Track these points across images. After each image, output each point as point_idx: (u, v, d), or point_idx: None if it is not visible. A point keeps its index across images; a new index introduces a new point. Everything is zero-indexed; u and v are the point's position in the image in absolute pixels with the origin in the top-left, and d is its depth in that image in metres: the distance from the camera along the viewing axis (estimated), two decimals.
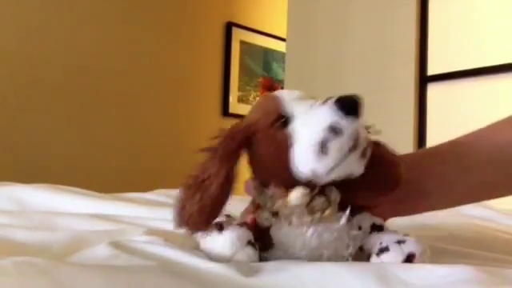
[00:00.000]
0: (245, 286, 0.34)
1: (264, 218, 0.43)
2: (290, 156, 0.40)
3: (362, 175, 0.41)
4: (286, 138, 0.41)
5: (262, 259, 0.42)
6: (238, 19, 3.29)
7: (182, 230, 0.42)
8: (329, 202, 0.42)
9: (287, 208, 0.42)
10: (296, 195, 0.41)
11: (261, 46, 3.40)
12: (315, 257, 0.42)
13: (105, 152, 2.60)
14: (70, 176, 2.38)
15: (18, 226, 0.57)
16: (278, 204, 0.42)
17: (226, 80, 3.21)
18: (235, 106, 3.21)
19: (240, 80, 3.28)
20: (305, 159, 0.40)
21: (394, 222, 0.54)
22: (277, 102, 0.43)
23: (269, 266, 0.39)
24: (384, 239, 0.43)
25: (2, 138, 2.25)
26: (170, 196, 0.98)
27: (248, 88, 3.32)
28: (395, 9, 2.06)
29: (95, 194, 0.91)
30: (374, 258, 0.42)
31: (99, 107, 2.59)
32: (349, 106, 0.39)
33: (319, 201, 0.42)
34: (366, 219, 0.45)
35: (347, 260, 0.42)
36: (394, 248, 0.41)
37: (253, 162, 0.44)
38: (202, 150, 0.43)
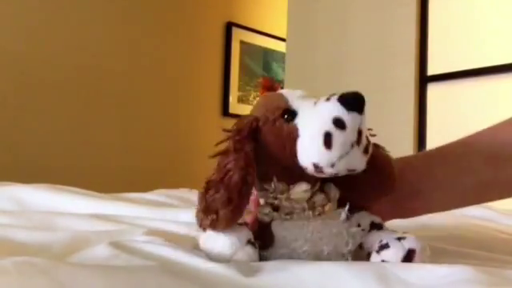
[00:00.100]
0: (245, 286, 0.34)
1: (264, 213, 0.43)
2: (294, 149, 0.41)
3: (360, 176, 0.42)
4: (292, 131, 0.42)
5: (262, 258, 0.42)
6: (238, 19, 3.29)
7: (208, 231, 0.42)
8: (328, 199, 0.43)
9: (289, 202, 0.42)
10: (298, 190, 0.42)
11: (261, 46, 3.40)
12: (316, 253, 0.42)
13: (105, 152, 2.60)
14: (70, 176, 2.38)
15: (18, 226, 0.57)
16: (280, 198, 0.42)
17: (226, 80, 3.21)
18: (235, 106, 3.21)
19: (240, 80, 3.28)
20: (309, 152, 0.40)
21: (392, 223, 0.54)
22: (282, 99, 0.44)
23: (269, 265, 0.39)
24: (384, 236, 0.43)
25: (2, 137, 2.25)
26: (170, 196, 0.98)
27: (248, 88, 3.32)
28: (395, 9, 2.06)
29: (95, 194, 0.91)
30: (374, 255, 0.42)
31: (99, 107, 2.59)
32: (352, 101, 0.40)
33: (320, 197, 0.43)
34: (365, 217, 0.46)
35: (347, 257, 0.42)
36: (394, 244, 0.42)
37: (256, 157, 0.44)
38: (215, 155, 0.43)
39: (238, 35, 3.27)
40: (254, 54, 3.36)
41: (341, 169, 0.40)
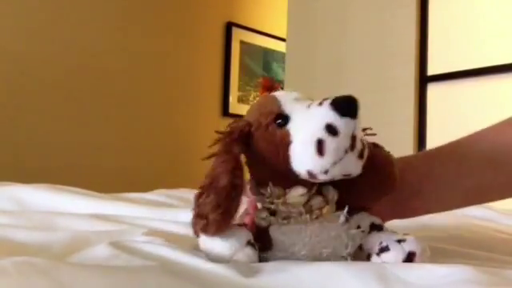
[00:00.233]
0: (245, 287, 0.34)
1: (261, 217, 0.43)
2: (287, 155, 0.41)
3: (360, 176, 0.41)
4: (284, 136, 0.41)
5: (261, 260, 0.42)
6: (238, 19, 3.29)
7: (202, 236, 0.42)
8: (326, 202, 0.42)
9: (286, 206, 0.42)
10: (295, 194, 0.42)
11: (261, 46, 3.40)
12: (314, 256, 0.42)
13: (105, 152, 2.60)
14: (70, 176, 2.38)
15: (18, 226, 0.57)
16: (277, 202, 0.42)
17: (226, 80, 3.21)
18: (235, 106, 3.21)
19: (240, 80, 3.28)
20: (302, 159, 0.40)
21: (392, 223, 0.54)
22: (275, 102, 0.43)
23: (269, 266, 0.39)
24: (384, 238, 0.43)
25: (2, 137, 2.25)
26: (170, 196, 0.98)
27: (248, 88, 3.32)
28: (395, 9, 2.06)
29: (95, 194, 0.91)
30: (374, 258, 0.42)
31: (99, 107, 2.59)
32: (345, 106, 0.39)
33: (317, 200, 0.42)
34: (365, 218, 0.45)
35: (346, 259, 0.42)
36: (394, 247, 0.41)
37: (251, 162, 0.44)
38: (208, 157, 0.42)
39: (238, 35, 3.27)
40: (254, 53, 3.36)
41: (335, 174, 0.40)
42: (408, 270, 0.36)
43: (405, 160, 0.53)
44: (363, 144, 0.40)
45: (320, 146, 0.39)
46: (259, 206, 0.44)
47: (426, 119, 1.97)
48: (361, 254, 0.44)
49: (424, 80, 1.99)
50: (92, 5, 2.59)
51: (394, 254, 0.41)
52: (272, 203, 0.42)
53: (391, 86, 2.04)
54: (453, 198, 0.56)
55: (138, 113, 2.76)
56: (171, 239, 0.45)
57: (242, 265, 0.38)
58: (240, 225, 0.44)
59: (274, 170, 0.42)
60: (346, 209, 0.42)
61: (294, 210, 0.42)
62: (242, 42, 3.30)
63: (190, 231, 0.43)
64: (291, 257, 0.42)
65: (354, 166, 0.40)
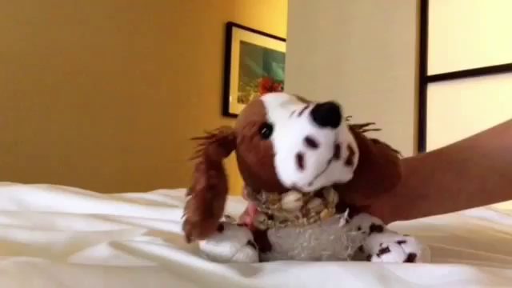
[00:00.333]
0: (245, 287, 0.34)
1: (259, 221, 0.43)
2: (274, 165, 0.40)
3: (360, 175, 0.41)
4: (268, 148, 0.40)
5: (262, 259, 0.42)
6: (238, 19, 3.29)
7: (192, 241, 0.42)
8: (325, 204, 0.42)
9: (282, 212, 0.41)
10: (289, 200, 0.41)
11: (261, 46, 3.40)
12: (314, 259, 0.42)
13: (105, 152, 2.60)
14: (70, 176, 2.38)
15: (18, 226, 0.57)
16: (273, 208, 0.42)
17: (226, 80, 3.21)
18: (235, 106, 3.21)
19: (240, 80, 3.28)
20: (284, 172, 0.39)
21: (393, 223, 0.54)
22: (261, 109, 0.42)
23: (269, 266, 0.39)
24: (384, 240, 0.42)
25: (2, 137, 2.25)
26: (170, 196, 0.98)
27: (248, 88, 3.32)
28: (395, 9, 2.06)
29: (95, 194, 0.91)
30: (374, 259, 0.42)
31: (99, 107, 2.59)
32: (325, 116, 0.37)
33: (315, 203, 0.41)
34: (365, 219, 0.45)
35: (346, 260, 0.42)
36: (394, 248, 0.41)
37: (242, 171, 0.44)
38: (191, 158, 0.42)
39: (238, 35, 3.27)
40: (254, 53, 3.36)
41: (321, 184, 0.39)
42: (408, 270, 0.36)
43: (408, 163, 0.53)
44: (351, 149, 0.39)
45: (300, 161, 0.37)
46: (259, 208, 0.44)
47: (426, 119, 1.97)
48: (361, 255, 0.44)
49: (424, 80, 1.99)
50: (92, 5, 2.59)
51: (395, 256, 0.41)
52: (268, 208, 0.42)
53: (391, 86, 2.04)
54: (455, 202, 0.56)
55: (138, 113, 2.76)
56: (171, 239, 0.45)
57: (242, 265, 0.38)
58: (240, 225, 0.44)
59: (264, 180, 0.41)
60: (347, 212, 0.42)
61: (291, 215, 0.41)
62: (242, 42, 3.29)
63: None
64: (291, 259, 0.42)
65: (340, 175, 0.39)
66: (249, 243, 0.41)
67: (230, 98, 3.21)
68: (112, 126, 2.64)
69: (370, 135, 0.46)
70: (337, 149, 0.38)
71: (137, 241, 0.45)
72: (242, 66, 3.29)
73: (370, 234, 0.44)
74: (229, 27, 3.23)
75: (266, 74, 3.43)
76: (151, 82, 2.82)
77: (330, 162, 0.38)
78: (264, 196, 0.42)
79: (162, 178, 2.68)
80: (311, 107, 0.38)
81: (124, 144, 2.68)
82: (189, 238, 0.41)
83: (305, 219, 0.41)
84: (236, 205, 0.49)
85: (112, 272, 0.33)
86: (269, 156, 0.40)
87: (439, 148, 0.57)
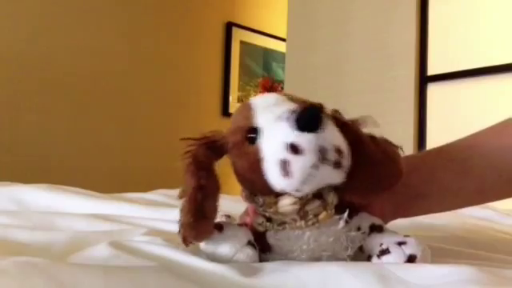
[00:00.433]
0: (245, 286, 0.34)
1: (258, 223, 0.43)
2: (263, 171, 0.39)
3: (357, 173, 0.40)
4: (256, 153, 0.39)
5: (262, 260, 0.42)
6: (238, 19, 3.29)
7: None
8: (325, 206, 0.41)
9: (278, 215, 0.41)
10: (284, 203, 0.40)
11: (261, 46, 3.40)
12: (314, 259, 0.41)
13: (105, 152, 2.60)
14: (70, 176, 2.38)
15: (18, 226, 0.57)
16: (269, 212, 0.41)
17: (226, 80, 3.21)
18: (235, 106, 3.21)
19: (240, 80, 3.28)
20: (272, 178, 0.38)
21: (393, 223, 0.54)
22: (249, 113, 0.42)
23: (269, 266, 0.39)
24: (384, 240, 0.42)
25: (2, 138, 2.25)
26: (170, 196, 0.98)
27: (248, 88, 3.32)
28: (395, 9, 2.06)
29: (95, 193, 0.91)
30: (374, 260, 0.42)
31: (99, 107, 2.59)
32: (306, 121, 0.36)
33: (314, 205, 0.41)
34: (365, 220, 0.45)
35: (346, 260, 0.42)
36: (395, 250, 0.41)
37: (236, 176, 0.43)
38: (180, 159, 0.42)
39: (238, 35, 3.27)
40: (254, 53, 3.36)
41: (310, 189, 0.38)
42: (408, 270, 0.36)
43: (408, 161, 0.53)
44: (339, 151, 0.38)
45: (284, 168, 0.37)
46: (257, 210, 0.43)
47: (426, 119, 1.97)
48: (361, 256, 0.43)
49: (424, 80, 1.99)
50: (92, 5, 2.59)
51: (395, 257, 0.40)
52: (266, 211, 0.42)
53: (391, 86, 2.04)
54: (455, 200, 0.56)
55: (138, 113, 2.76)
56: (171, 239, 0.45)
57: (242, 265, 0.38)
58: (241, 225, 0.44)
59: (256, 184, 0.41)
60: (346, 213, 0.42)
61: (288, 218, 0.41)
62: (242, 42, 3.30)
63: None
64: (291, 260, 0.42)
65: (330, 178, 0.38)
66: (249, 243, 0.41)
67: (230, 98, 3.21)
68: (111, 125, 2.64)
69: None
70: (322, 153, 0.36)
71: (137, 241, 0.45)
72: (242, 65, 3.29)
73: (369, 234, 0.44)
74: (229, 27, 3.23)
75: (266, 73, 3.43)
76: (151, 82, 2.82)
77: (316, 166, 0.36)
78: (261, 199, 0.42)
79: (161, 178, 2.68)
80: (292, 112, 0.37)
81: (124, 144, 2.68)
82: (185, 240, 0.41)
83: (303, 222, 0.41)
84: (236, 205, 0.49)
85: (112, 272, 0.33)
86: (257, 161, 0.39)
87: (439, 146, 0.57)
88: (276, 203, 0.41)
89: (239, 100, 3.26)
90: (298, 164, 0.36)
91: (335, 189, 0.42)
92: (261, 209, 0.42)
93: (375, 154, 0.43)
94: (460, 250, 0.55)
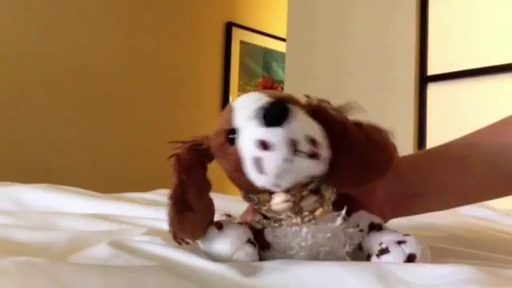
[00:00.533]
0: (245, 286, 0.34)
1: (255, 220, 0.43)
2: (244, 170, 0.39)
3: (342, 161, 0.39)
4: (236, 153, 0.40)
5: (261, 258, 0.42)
6: (238, 19, 3.29)
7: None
8: (321, 202, 0.41)
9: (273, 212, 0.41)
10: (277, 201, 0.40)
11: (261, 46, 3.40)
12: (313, 256, 0.41)
13: (105, 152, 2.60)
14: (70, 176, 2.38)
15: (18, 226, 0.57)
16: (264, 209, 0.41)
17: (226, 80, 3.21)
18: None
19: (240, 80, 3.28)
20: (251, 176, 0.39)
21: (393, 222, 0.54)
22: (229, 115, 0.42)
23: (269, 265, 0.39)
24: (384, 239, 0.42)
25: (2, 137, 2.25)
26: None
27: (248, 88, 3.32)
28: (395, 9, 2.06)
29: (95, 193, 0.91)
30: (374, 260, 0.42)
31: (99, 107, 2.59)
32: (273, 115, 0.37)
33: (309, 201, 0.41)
34: (364, 217, 0.44)
35: (345, 258, 0.42)
36: (394, 249, 0.41)
37: (227, 176, 0.43)
38: (168, 158, 0.43)
39: (238, 35, 3.27)
40: (254, 53, 3.36)
41: (292, 183, 0.38)
42: (408, 270, 0.36)
43: (407, 160, 0.53)
44: (313, 141, 0.37)
45: (258, 165, 0.37)
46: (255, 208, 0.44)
47: (426, 119, 1.97)
48: (360, 255, 0.43)
49: (424, 80, 1.99)
50: (92, 5, 2.59)
51: (394, 257, 0.40)
52: (261, 208, 0.42)
53: (391, 86, 2.04)
54: (454, 199, 0.56)
55: (138, 113, 2.76)
56: (171, 239, 0.45)
57: (242, 264, 0.38)
58: (241, 223, 0.44)
59: (246, 184, 0.40)
60: (344, 209, 0.42)
61: (282, 216, 0.41)
62: (242, 42, 3.30)
63: None
64: (290, 257, 0.42)
65: (309, 170, 0.38)
66: (249, 241, 0.41)
67: (230, 98, 3.21)
68: (111, 125, 2.64)
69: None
70: (294, 145, 0.36)
71: (137, 240, 0.45)
72: (241, 65, 3.29)
73: (369, 232, 0.44)
74: (229, 27, 3.23)
75: (266, 73, 3.43)
76: (151, 82, 2.82)
77: (289, 160, 0.36)
78: (256, 197, 0.42)
79: (161, 178, 2.67)
80: (260, 109, 0.37)
81: (124, 144, 2.68)
82: (175, 237, 0.41)
83: (299, 218, 0.40)
84: (236, 205, 0.49)
85: (112, 272, 0.33)
86: (238, 162, 0.39)
87: (438, 145, 0.57)
88: (269, 201, 0.41)
89: None
90: (270, 159, 0.36)
91: (325, 180, 0.41)
92: (256, 207, 0.42)
93: (361, 141, 0.42)
94: (460, 250, 0.55)
